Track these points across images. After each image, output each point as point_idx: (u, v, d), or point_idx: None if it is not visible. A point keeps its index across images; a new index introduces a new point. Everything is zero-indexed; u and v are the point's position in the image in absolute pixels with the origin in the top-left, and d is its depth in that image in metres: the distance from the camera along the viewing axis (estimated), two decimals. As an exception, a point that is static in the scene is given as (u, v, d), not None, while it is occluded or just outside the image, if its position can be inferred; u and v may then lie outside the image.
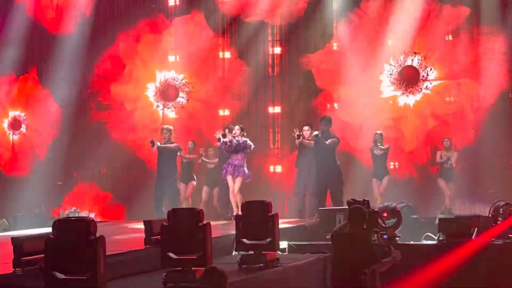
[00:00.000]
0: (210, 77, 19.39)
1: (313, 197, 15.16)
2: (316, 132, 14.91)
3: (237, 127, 15.07)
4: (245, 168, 14.85)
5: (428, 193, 16.56)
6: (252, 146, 14.94)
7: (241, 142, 14.74)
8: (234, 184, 14.75)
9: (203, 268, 8.04)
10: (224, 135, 14.77)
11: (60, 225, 6.85)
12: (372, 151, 16.43)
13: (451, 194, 16.23)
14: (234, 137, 14.89)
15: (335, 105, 18.41)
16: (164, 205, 15.17)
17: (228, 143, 14.66)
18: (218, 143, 14.94)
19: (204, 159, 16.68)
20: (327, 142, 14.75)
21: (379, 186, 16.31)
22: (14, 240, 7.71)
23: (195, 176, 16.77)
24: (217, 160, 16.67)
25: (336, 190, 14.75)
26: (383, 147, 16.33)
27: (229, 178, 14.86)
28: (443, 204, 16.16)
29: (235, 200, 14.86)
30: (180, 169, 16.68)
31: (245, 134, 15.04)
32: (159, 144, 15.26)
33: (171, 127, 15.79)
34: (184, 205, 15.92)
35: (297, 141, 15.21)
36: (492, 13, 17.29)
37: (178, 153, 16.07)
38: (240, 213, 13.79)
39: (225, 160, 15.11)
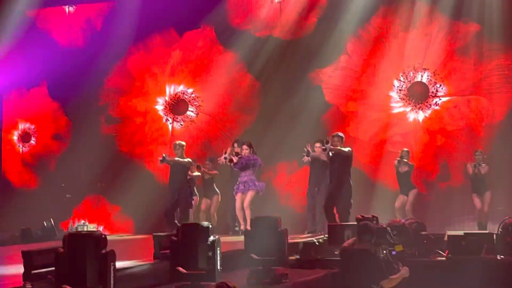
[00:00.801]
0: (219, 91, 19.43)
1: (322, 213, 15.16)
2: (324, 147, 14.89)
3: (245, 145, 15.15)
4: (256, 182, 14.95)
5: (437, 209, 16.53)
6: (262, 164, 15.05)
7: (251, 158, 14.85)
8: (246, 198, 14.87)
9: (213, 283, 8.09)
10: (231, 160, 14.95)
11: (70, 239, 6.86)
12: (396, 168, 16.37)
13: (486, 207, 15.98)
14: (241, 152, 15.04)
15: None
16: (176, 218, 15.21)
17: (238, 160, 14.80)
18: (230, 164, 15.13)
19: (203, 169, 16.68)
20: (339, 149, 14.70)
21: (405, 200, 16.23)
22: (24, 253, 7.72)
23: (218, 191, 16.79)
24: (216, 172, 16.75)
25: (341, 209, 14.70)
26: (409, 164, 16.28)
27: (239, 195, 14.98)
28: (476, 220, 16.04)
29: (242, 214, 14.92)
30: (202, 184, 16.76)
31: (253, 150, 15.12)
32: (167, 158, 15.32)
33: (183, 143, 15.84)
34: (210, 221, 15.96)
35: (304, 158, 15.26)
36: (502, 30, 17.28)
37: (200, 169, 16.22)
38: (248, 227, 13.89)
39: (236, 175, 15.29)
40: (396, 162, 16.32)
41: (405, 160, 16.23)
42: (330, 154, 14.63)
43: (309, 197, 15.56)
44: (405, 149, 16.52)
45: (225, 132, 19.25)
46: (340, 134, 15.09)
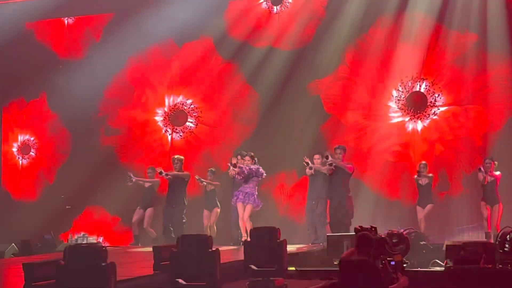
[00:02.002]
0: (218, 102, 19.48)
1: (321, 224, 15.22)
2: (327, 160, 14.96)
3: (247, 157, 15.21)
4: (256, 196, 15.01)
5: (436, 219, 16.54)
6: (264, 174, 15.10)
7: (253, 169, 14.91)
8: (244, 211, 14.91)
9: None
10: (234, 165, 14.96)
11: (71, 251, 6.90)
12: (417, 181, 16.32)
13: (495, 218, 15.64)
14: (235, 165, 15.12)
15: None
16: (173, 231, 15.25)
17: (241, 172, 14.85)
18: (232, 172, 15.16)
19: (203, 180, 16.69)
20: (344, 165, 14.83)
21: (422, 212, 16.18)
22: (25, 266, 7.75)
23: (218, 203, 16.82)
24: (218, 183, 16.79)
25: (340, 222, 14.79)
26: (428, 176, 16.25)
27: (240, 205, 15.03)
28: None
29: (245, 226, 14.96)
30: (204, 196, 16.81)
31: (256, 161, 15.19)
32: (163, 173, 15.44)
33: (182, 157, 16.00)
34: (208, 232, 16.00)
35: (307, 171, 15.31)
36: (500, 39, 17.33)
37: (201, 181, 16.30)
38: (248, 239, 13.91)
39: (238, 186, 15.29)
40: (415, 176, 16.25)
41: (423, 174, 16.15)
42: (332, 167, 14.74)
43: (309, 211, 15.56)
44: (423, 162, 16.42)
45: (224, 143, 19.29)
46: (343, 146, 15.21)
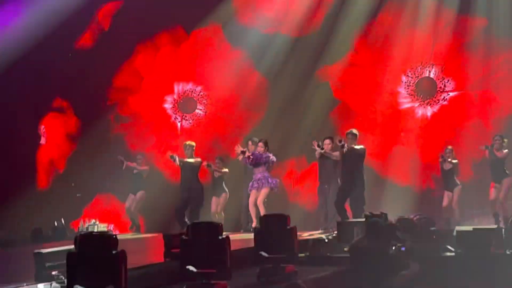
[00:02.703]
0: (227, 89, 19.47)
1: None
2: (340, 143, 14.92)
3: (260, 143, 15.23)
4: (270, 179, 15.03)
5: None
6: (274, 160, 15.13)
7: (263, 156, 14.95)
8: (259, 195, 14.96)
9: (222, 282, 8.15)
10: (243, 152, 15.01)
11: (82, 239, 6.93)
12: (441, 166, 16.24)
13: (502, 194, 15.58)
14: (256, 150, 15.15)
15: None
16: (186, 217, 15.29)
17: (251, 157, 14.89)
18: (240, 157, 15.19)
19: (213, 167, 16.72)
20: (357, 147, 14.80)
21: (451, 197, 16.11)
22: (37, 254, 7.80)
23: (226, 189, 16.85)
24: (226, 170, 16.80)
25: (356, 206, 14.75)
26: (453, 162, 16.17)
27: (253, 192, 15.08)
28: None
29: (255, 211, 15.00)
30: (211, 183, 16.83)
31: (268, 148, 15.21)
32: (177, 159, 15.46)
33: (193, 143, 16.00)
34: (216, 218, 16.04)
35: (317, 153, 15.25)
36: (509, 24, 17.28)
37: (210, 168, 16.38)
38: (258, 225, 13.96)
39: (250, 173, 15.36)
40: (440, 159, 16.15)
41: (449, 159, 16.07)
42: (344, 151, 14.67)
43: (320, 195, 15.55)
44: (449, 147, 16.35)
45: (233, 130, 19.29)
46: (354, 131, 15.12)
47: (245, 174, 16.04)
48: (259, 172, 15.12)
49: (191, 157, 15.59)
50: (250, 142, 16.08)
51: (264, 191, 15.09)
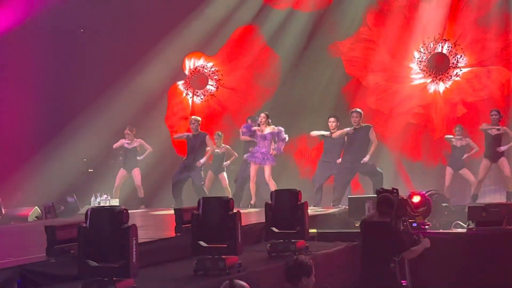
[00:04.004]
0: (239, 65, 19.44)
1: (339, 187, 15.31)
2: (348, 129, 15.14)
3: (262, 114, 15.33)
4: (269, 154, 15.18)
5: (458, 180, 16.46)
6: (284, 137, 15.24)
7: (276, 131, 15.08)
8: (266, 172, 15.04)
9: (233, 256, 8.17)
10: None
11: (93, 213, 6.94)
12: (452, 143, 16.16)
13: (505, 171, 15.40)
14: (259, 124, 15.19)
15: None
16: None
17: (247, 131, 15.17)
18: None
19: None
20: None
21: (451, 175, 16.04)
22: (48, 228, 7.81)
23: (225, 168, 16.87)
24: (227, 146, 16.82)
25: (376, 174, 14.98)
26: (462, 139, 16.06)
27: (254, 167, 15.16)
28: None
29: (254, 189, 15.16)
30: (213, 159, 16.85)
31: (270, 121, 15.28)
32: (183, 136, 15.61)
33: (199, 118, 16.11)
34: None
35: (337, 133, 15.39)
36: (524, -1, 17.18)
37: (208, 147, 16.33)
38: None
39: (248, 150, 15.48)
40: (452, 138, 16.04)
41: (459, 137, 15.97)
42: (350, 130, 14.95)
43: (325, 170, 15.60)
44: (458, 125, 16.24)
45: (245, 106, 19.27)
46: (359, 110, 15.28)
47: (244, 151, 16.10)
48: (265, 147, 15.20)
49: (196, 131, 15.76)
50: (249, 121, 16.23)
51: (268, 168, 15.21)
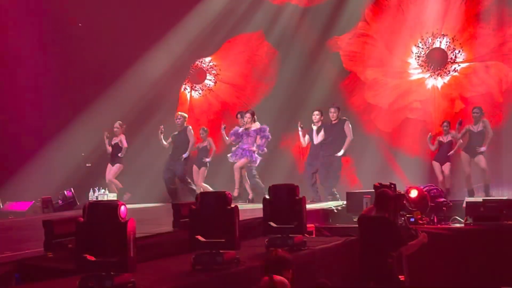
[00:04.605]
0: (237, 60, 19.43)
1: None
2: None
3: (247, 114, 15.44)
4: (254, 154, 15.28)
5: (456, 176, 16.45)
6: (267, 135, 15.35)
7: (260, 128, 15.19)
8: (238, 162, 15.32)
9: (231, 251, 8.16)
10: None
11: (90, 208, 6.92)
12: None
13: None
14: (245, 123, 15.53)
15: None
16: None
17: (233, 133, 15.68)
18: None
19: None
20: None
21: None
22: (45, 222, 7.80)
23: (207, 164, 16.79)
24: (209, 139, 16.84)
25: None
26: (450, 134, 16.04)
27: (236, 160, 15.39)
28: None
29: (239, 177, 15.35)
30: (197, 152, 16.86)
31: (255, 119, 15.37)
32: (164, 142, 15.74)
33: (185, 114, 16.16)
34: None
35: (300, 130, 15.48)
36: (522, -6, 17.17)
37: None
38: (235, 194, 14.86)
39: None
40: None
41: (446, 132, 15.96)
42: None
43: (311, 169, 15.69)
44: (445, 121, 16.23)
45: (243, 101, 19.26)
46: (336, 105, 15.40)
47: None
48: (247, 144, 15.35)
49: (182, 127, 15.86)
50: (239, 116, 16.23)
51: (242, 160, 15.39)
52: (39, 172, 17.62)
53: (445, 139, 15.87)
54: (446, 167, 15.66)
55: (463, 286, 11.44)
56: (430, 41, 17.85)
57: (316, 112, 15.63)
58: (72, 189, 16.38)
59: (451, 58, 17.71)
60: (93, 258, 6.72)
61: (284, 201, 9.83)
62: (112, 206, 6.85)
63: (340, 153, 15.22)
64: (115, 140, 17.01)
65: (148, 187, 17.41)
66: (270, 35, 18.99)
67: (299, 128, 15.83)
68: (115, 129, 17.02)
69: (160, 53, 18.54)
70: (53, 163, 18.00)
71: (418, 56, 17.94)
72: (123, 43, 18.49)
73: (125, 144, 16.89)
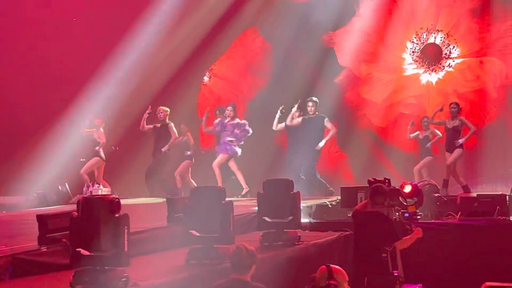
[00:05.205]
0: (231, 55, 19.40)
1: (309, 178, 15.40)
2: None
3: (229, 107, 15.51)
4: (228, 145, 15.39)
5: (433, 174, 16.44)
6: (247, 130, 15.37)
7: (239, 123, 15.28)
8: (217, 159, 15.62)
9: (225, 246, 8.15)
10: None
11: (85, 203, 6.91)
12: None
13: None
14: (226, 117, 15.63)
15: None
16: None
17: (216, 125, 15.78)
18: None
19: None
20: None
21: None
22: (39, 217, 7.79)
23: (189, 158, 16.72)
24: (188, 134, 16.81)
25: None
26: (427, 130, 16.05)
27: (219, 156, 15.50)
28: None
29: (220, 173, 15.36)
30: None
31: (235, 114, 15.56)
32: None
33: (167, 109, 16.09)
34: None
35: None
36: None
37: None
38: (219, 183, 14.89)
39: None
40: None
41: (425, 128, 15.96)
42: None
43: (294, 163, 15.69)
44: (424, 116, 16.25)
45: (238, 96, 19.24)
46: (314, 99, 15.36)
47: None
48: (223, 137, 15.46)
49: (164, 122, 15.81)
50: (217, 112, 16.31)
51: (222, 156, 15.52)
52: (33, 166, 17.57)
53: (421, 135, 15.86)
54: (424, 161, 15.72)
55: (457, 280, 11.46)
56: (424, 36, 17.86)
57: (310, 104, 15.53)
58: (66, 183, 16.34)
59: (446, 53, 17.72)
60: (87, 253, 6.71)
61: (278, 196, 9.83)
62: (106, 201, 6.84)
63: (321, 144, 15.19)
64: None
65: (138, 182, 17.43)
66: (264, 30, 18.95)
67: (278, 111, 15.76)
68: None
69: (156, 48, 18.51)
70: (47, 158, 17.94)
71: (413, 52, 17.95)
72: (120, 39, 18.48)
73: (101, 140, 16.73)
